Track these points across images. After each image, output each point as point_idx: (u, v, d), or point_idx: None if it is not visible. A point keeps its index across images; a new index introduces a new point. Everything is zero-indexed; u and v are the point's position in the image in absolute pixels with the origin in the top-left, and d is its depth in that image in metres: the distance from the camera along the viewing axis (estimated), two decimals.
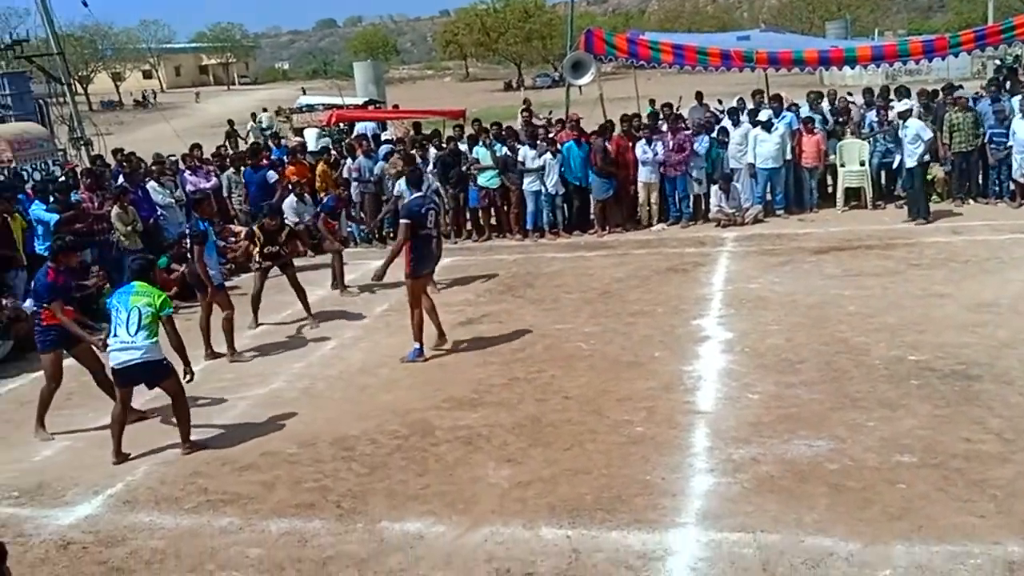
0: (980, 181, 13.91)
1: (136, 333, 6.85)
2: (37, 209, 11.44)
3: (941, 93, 14.86)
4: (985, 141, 13.40)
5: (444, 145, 14.42)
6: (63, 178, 13.86)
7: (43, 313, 7.62)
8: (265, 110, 32.27)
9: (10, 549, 3.88)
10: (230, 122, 27.09)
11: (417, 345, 8.89)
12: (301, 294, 10.50)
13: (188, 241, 9.25)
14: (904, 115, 12.93)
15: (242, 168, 14.55)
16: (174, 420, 7.32)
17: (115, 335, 6.92)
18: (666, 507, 5.59)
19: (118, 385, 7.06)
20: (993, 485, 5.53)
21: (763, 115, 14.10)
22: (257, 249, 10.25)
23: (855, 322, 8.85)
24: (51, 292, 7.53)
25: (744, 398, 7.22)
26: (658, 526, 5.38)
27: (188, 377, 7.26)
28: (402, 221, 8.73)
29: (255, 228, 10.35)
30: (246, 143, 20.78)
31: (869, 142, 14.09)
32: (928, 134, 12.71)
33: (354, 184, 14.44)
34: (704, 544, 5.15)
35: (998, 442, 6.10)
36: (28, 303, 10.50)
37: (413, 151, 14.32)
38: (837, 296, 9.74)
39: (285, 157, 15.55)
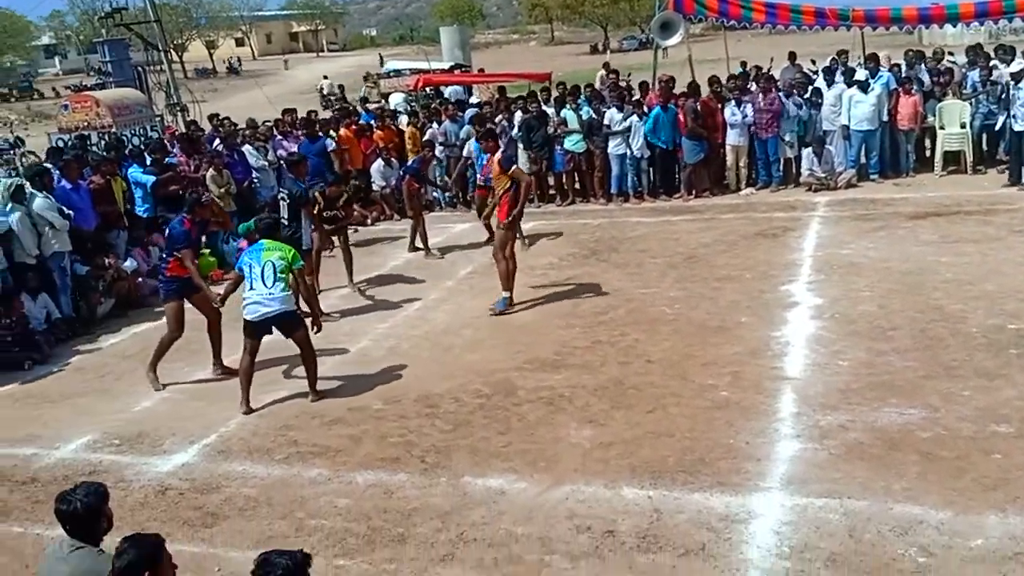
0: None
1: (273, 285, 7.14)
2: (135, 172, 11.85)
3: None
4: None
5: (529, 108, 14.35)
6: (160, 139, 14.28)
7: (170, 263, 7.96)
8: (326, 77, 32.78)
9: (112, 493, 4.10)
10: (341, 87, 27.50)
11: (506, 294, 9.12)
12: (349, 260, 10.71)
13: (284, 204, 9.43)
14: (1018, 76, 12.28)
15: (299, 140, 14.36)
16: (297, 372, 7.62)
17: (252, 288, 7.19)
18: (750, 471, 5.53)
19: (249, 337, 7.32)
20: None
21: (860, 75, 13.60)
22: (316, 212, 10.42)
23: (952, 289, 8.54)
24: (185, 240, 7.89)
25: (833, 364, 7.06)
26: (742, 489, 5.33)
27: (316, 329, 7.56)
28: (516, 167, 9.28)
29: (316, 194, 10.51)
30: (351, 105, 20.56)
31: (971, 103, 13.48)
32: None
33: (439, 149, 14.53)
34: (789, 508, 5.08)
35: None
36: (129, 263, 10.97)
37: (499, 114, 14.35)
38: (933, 263, 9.41)
39: (373, 122, 15.71)
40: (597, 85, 17.96)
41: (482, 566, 4.84)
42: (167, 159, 12.49)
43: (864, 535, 4.75)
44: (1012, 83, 12.40)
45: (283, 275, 7.16)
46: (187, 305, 8.19)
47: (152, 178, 11.72)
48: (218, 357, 8.24)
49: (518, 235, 11.48)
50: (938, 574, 4.39)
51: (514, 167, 9.32)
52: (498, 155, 9.37)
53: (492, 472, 5.85)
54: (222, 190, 12.23)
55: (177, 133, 16.29)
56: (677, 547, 4.81)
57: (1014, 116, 12.26)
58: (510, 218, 9.15)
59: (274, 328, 7.28)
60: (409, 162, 12.94)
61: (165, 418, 7.38)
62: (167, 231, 8.26)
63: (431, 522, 5.33)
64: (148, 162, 12.16)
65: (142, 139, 15.95)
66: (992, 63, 14.01)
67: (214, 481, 6.16)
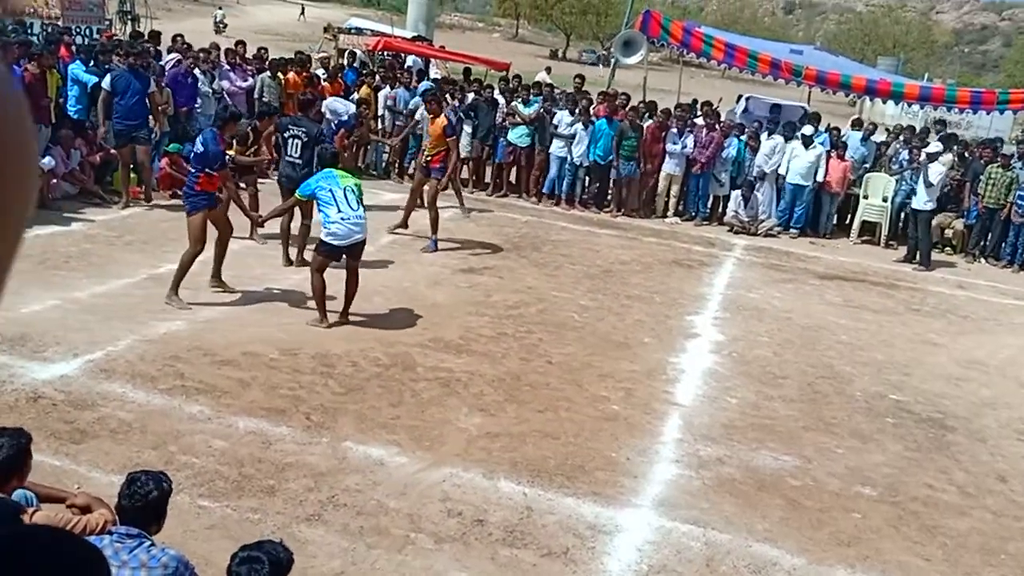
0: (997, 242, 13.86)
1: (359, 208, 7.53)
2: (77, 69, 11.39)
3: (979, 148, 14.79)
4: (1011, 200, 13.35)
5: (482, 92, 14.32)
6: (113, 42, 13.73)
7: (200, 177, 7.74)
8: (220, 8, 31.98)
9: None
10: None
11: (435, 237, 10.41)
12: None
13: (299, 143, 9.21)
14: (932, 157, 12.84)
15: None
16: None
17: (340, 211, 7.42)
18: (625, 486, 5.67)
19: (329, 258, 7.67)
20: (945, 533, 5.62)
21: (806, 130, 14.00)
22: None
23: (845, 351, 8.90)
24: (220, 161, 7.81)
25: (722, 399, 7.28)
26: (614, 503, 5.46)
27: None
28: (456, 138, 10.33)
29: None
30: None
31: (896, 180, 14.04)
32: (942, 183, 12.71)
33: (386, 113, 14.41)
34: (655, 529, 5.23)
35: (959, 494, 6.18)
36: (47, 160, 10.51)
37: (456, 92, 14.30)
38: (833, 323, 9.78)
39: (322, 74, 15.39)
40: (541, 76, 18.03)
41: (347, 531, 4.84)
42: (110, 64, 11.99)
43: (720, 567, 4.92)
44: (926, 163, 12.96)
45: (362, 200, 7.63)
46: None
47: (95, 78, 11.26)
48: (219, 271, 8.28)
49: (460, 205, 12.47)
50: None
51: (454, 136, 10.16)
52: (443, 118, 10.03)
53: (375, 442, 5.84)
54: (159, 108, 11.80)
55: (114, 38, 15.64)
56: (541, 547, 4.90)
57: (915, 193, 12.85)
58: (444, 176, 10.10)
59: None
60: (345, 116, 12.51)
61: (53, 325, 7.12)
62: (202, 146, 7.83)
63: (304, 480, 5.29)
64: (91, 63, 11.69)
65: (87, 38, 15.31)
66: (927, 143, 14.60)
67: (90, 398, 5.98)
